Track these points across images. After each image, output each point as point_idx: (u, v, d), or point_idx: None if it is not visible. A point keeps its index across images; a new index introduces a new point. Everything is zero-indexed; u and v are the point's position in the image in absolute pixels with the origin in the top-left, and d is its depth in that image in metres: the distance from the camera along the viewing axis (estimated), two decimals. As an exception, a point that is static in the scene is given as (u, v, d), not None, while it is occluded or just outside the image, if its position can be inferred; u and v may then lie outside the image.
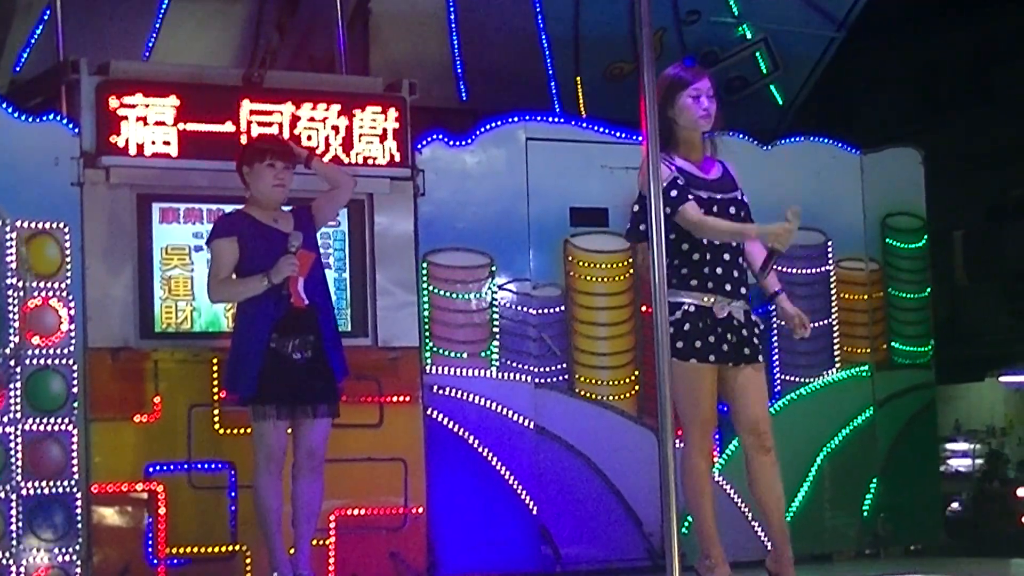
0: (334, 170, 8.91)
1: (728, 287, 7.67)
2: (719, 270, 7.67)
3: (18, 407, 8.75)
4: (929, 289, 11.65)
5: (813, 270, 11.04)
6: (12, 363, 8.72)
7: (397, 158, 9.70)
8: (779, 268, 10.75)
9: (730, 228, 7.61)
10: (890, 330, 11.34)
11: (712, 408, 7.63)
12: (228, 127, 9.29)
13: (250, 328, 8.46)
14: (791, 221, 7.37)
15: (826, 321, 11.05)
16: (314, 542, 8.75)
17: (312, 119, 9.49)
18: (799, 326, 7.86)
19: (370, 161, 9.62)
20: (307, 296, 8.40)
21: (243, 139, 9.21)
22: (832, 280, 11.11)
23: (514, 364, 10.05)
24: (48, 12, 10.17)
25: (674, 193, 7.50)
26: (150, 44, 10.95)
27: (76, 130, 9.05)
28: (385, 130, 9.67)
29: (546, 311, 10.15)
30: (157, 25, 10.94)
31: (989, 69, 33.95)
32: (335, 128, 9.54)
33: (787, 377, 10.89)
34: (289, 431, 8.50)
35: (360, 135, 9.61)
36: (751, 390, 7.70)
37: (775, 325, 10.75)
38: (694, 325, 7.56)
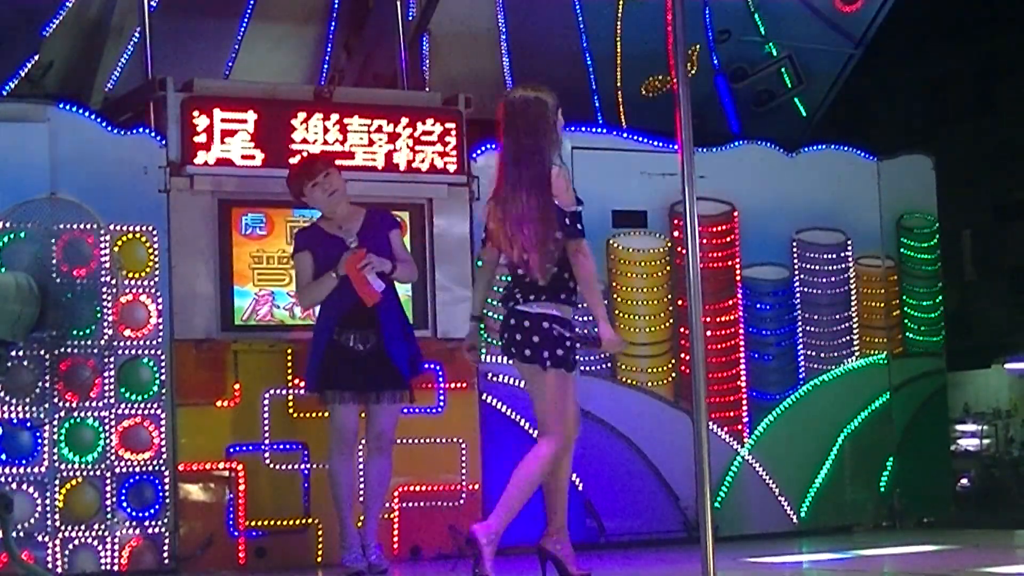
0: (403, 270, 8.57)
1: None
2: None
3: (112, 393, 8.79)
4: (940, 284, 11.58)
5: (834, 267, 10.99)
6: (107, 353, 8.75)
7: (454, 166, 9.68)
8: (806, 266, 10.80)
9: None
10: (905, 321, 11.29)
11: None
12: (300, 138, 9.28)
13: (320, 323, 8.47)
14: None
15: (846, 313, 11.01)
16: (380, 516, 8.71)
17: (380, 130, 9.45)
18: None
19: (429, 169, 9.59)
20: None
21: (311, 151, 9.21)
22: (851, 276, 11.06)
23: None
24: (138, 35, 10.15)
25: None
26: (230, 63, 10.97)
27: (163, 142, 9.05)
28: (443, 140, 9.63)
29: (591, 305, 10.05)
30: (236, 46, 10.95)
31: (993, 82, 33.77)
32: (397, 138, 9.51)
33: (811, 365, 10.85)
34: (363, 415, 8.46)
35: (421, 145, 9.58)
36: None
37: (799, 317, 10.78)
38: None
